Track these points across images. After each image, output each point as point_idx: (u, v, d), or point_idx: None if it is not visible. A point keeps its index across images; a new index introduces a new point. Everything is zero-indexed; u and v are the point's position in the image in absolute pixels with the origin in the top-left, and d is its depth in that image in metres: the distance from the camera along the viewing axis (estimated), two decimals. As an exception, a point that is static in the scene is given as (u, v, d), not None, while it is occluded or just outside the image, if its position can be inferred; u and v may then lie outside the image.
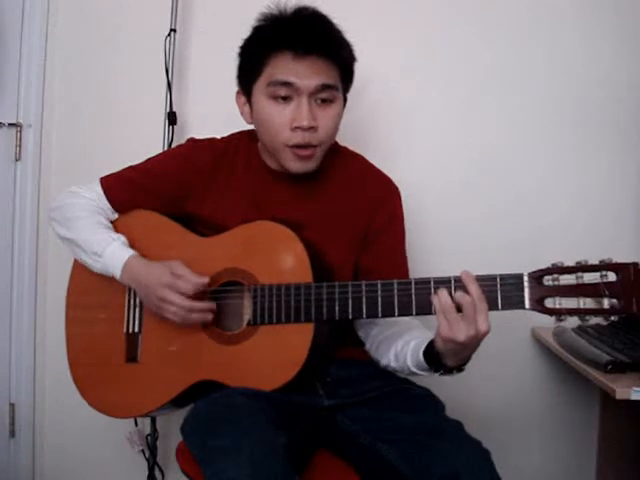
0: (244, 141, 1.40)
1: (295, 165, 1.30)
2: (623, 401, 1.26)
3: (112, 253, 1.30)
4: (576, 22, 1.83)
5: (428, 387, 1.33)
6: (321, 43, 1.25)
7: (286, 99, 1.27)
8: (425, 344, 1.20)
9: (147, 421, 1.84)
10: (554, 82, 1.84)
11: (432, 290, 1.15)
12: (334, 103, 1.29)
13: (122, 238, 1.33)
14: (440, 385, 1.36)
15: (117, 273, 1.30)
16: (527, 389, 1.89)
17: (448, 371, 1.18)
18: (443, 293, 1.12)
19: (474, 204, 1.85)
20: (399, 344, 1.28)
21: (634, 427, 1.71)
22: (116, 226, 1.39)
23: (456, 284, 1.13)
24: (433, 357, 1.18)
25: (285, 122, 1.27)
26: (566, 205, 1.85)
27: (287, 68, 1.25)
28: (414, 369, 1.24)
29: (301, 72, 1.25)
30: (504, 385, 1.87)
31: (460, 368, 1.19)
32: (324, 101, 1.28)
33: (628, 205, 1.83)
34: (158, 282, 1.25)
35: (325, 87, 1.26)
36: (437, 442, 1.15)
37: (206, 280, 1.25)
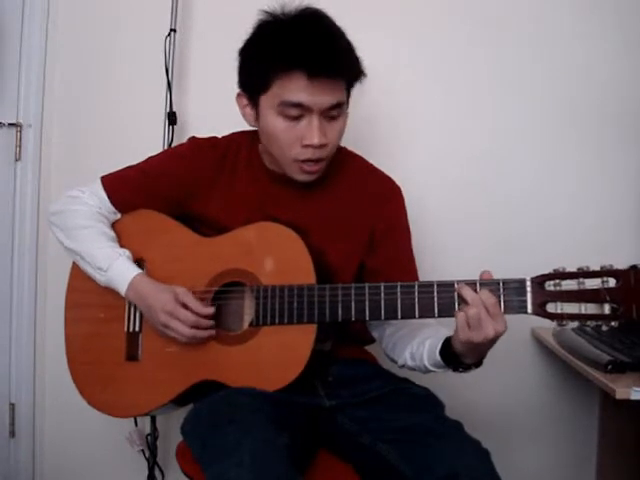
0: (245, 141, 1.40)
1: (302, 177, 1.30)
2: (623, 401, 1.26)
3: (118, 269, 1.30)
4: (576, 22, 1.83)
5: (428, 387, 1.33)
6: (335, 63, 1.22)
7: (297, 117, 1.25)
8: (440, 344, 1.21)
9: (147, 421, 1.84)
10: (554, 82, 1.84)
11: (435, 293, 1.15)
12: (341, 116, 1.29)
13: (127, 253, 1.33)
14: (440, 385, 1.36)
15: (122, 290, 1.30)
16: (527, 389, 1.89)
17: (466, 368, 1.20)
18: (469, 304, 1.11)
19: (474, 203, 1.85)
20: (414, 344, 1.29)
21: (634, 427, 1.71)
22: (119, 226, 1.39)
23: (458, 288, 1.14)
24: (450, 357, 1.19)
25: (295, 139, 1.25)
26: (567, 204, 1.85)
27: (300, 89, 1.21)
28: (432, 368, 1.25)
29: (314, 93, 1.22)
30: (504, 385, 1.87)
31: (478, 364, 1.20)
32: (333, 116, 1.27)
33: (629, 204, 1.83)
34: (162, 308, 1.25)
35: (336, 106, 1.25)
36: (437, 442, 1.15)
37: (211, 311, 1.26)
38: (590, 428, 1.87)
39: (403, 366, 1.34)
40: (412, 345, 1.29)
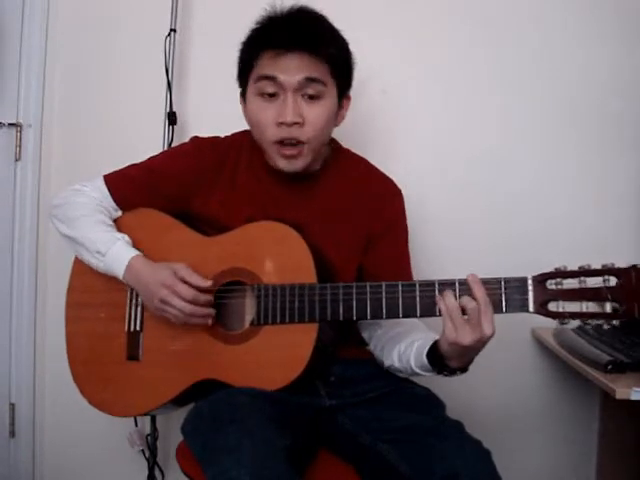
0: (247, 141, 1.40)
1: (282, 163, 1.30)
2: (623, 401, 1.26)
3: (116, 253, 1.30)
4: (576, 22, 1.83)
5: (428, 387, 1.33)
6: (302, 38, 1.25)
7: (273, 96, 1.27)
8: (428, 345, 1.21)
9: (147, 421, 1.84)
10: (554, 82, 1.84)
11: (436, 292, 1.15)
12: (322, 99, 1.28)
13: (126, 237, 1.33)
14: (440, 385, 1.36)
15: (120, 273, 1.29)
16: (527, 389, 1.89)
17: (451, 372, 1.19)
18: (449, 296, 1.12)
19: (474, 203, 1.85)
20: (402, 345, 1.28)
21: (634, 427, 1.71)
22: (119, 224, 1.39)
23: (461, 286, 1.14)
24: (437, 359, 1.19)
25: (271, 118, 1.27)
26: (567, 204, 1.85)
27: (270, 64, 1.26)
28: (417, 370, 1.24)
29: (284, 67, 1.25)
30: (504, 385, 1.87)
31: (463, 369, 1.19)
32: (312, 97, 1.27)
33: (629, 204, 1.83)
34: (160, 283, 1.25)
35: (309, 81, 1.26)
36: (437, 442, 1.15)
37: (208, 284, 1.24)
38: (590, 428, 1.87)
39: (389, 367, 1.33)
40: (400, 346, 1.29)
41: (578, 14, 1.83)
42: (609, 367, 1.34)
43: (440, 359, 1.18)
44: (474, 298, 1.10)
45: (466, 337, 1.10)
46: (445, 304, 1.12)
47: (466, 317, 1.11)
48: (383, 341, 1.35)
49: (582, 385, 1.82)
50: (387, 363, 1.33)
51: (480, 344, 1.12)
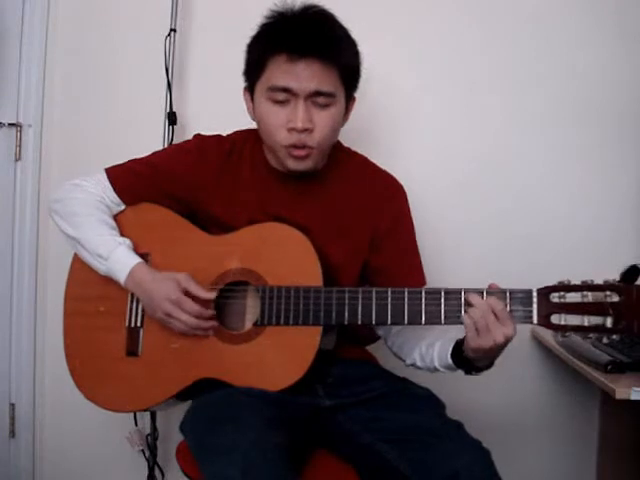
0: (250, 140, 1.40)
1: (292, 163, 1.30)
2: (623, 401, 1.26)
3: (118, 258, 1.29)
4: (577, 21, 1.83)
5: (428, 387, 1.34)
6: (317, 45, 1.24)
7: (284, 102, 1.27)
8: (450, 347, 1.23)
9: (147, 421, 1.84)
10: (555, 82, 1.84)
11: (442, 300, 1.16)
12: (332, 106, 1.28)
13: (127, 242, 1.33)
14: (440, 385, 1.36)
15: (122, 279, 1.29)
16: (527, 389, 1.89)
17: (478, 371, 1.22)
18: (476, 308, 1.13)
19: (475, 203, 1.85)
20: (423, 345, 1.30)
21: (634, 427, 1.71)
22: (121, 219, 1.38)
23: (466, 295, 1.15)
24: (462, 360, 1.21)
25: (281, 123, 1.27)
26: (567, 204, 1.85)
27: (283, 72, 1.24)
28: (443, 370, 1.27)
29: (297, 75, 1.24)
30: (504, 385, 1.86)
31: (489, 365, 1.22)
32: (321, 105, 1.27)
33: (629, 204, 1.83)
34: (165, 297, 1.25)
35: (319, 93, 1.26)
36: (437, 442, 1.15)
37: (213, 296, 1.25)
38: (590, 428, 1.87)
39: (412, 365, 1.35)
40: (421, 346, 1.31)
41: (578, 14, 1.83)
42: (609, 367, 1.34)
43: (466, 361, 1.21)
44: (492, 308, 1.12)
45: (489, 341, 1.12)
46: (468, 313, 1.13)
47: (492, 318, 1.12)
48: (400, 339, 1.37)
49: (582, 385, 1.82)
50: (409, 361, 1.35)
51: (503, 345, 1.14)
